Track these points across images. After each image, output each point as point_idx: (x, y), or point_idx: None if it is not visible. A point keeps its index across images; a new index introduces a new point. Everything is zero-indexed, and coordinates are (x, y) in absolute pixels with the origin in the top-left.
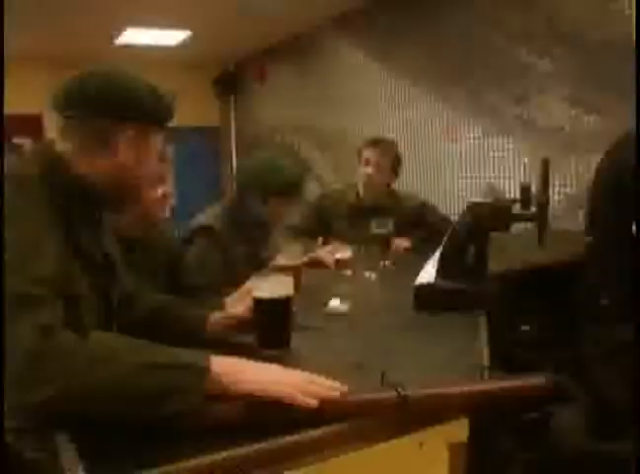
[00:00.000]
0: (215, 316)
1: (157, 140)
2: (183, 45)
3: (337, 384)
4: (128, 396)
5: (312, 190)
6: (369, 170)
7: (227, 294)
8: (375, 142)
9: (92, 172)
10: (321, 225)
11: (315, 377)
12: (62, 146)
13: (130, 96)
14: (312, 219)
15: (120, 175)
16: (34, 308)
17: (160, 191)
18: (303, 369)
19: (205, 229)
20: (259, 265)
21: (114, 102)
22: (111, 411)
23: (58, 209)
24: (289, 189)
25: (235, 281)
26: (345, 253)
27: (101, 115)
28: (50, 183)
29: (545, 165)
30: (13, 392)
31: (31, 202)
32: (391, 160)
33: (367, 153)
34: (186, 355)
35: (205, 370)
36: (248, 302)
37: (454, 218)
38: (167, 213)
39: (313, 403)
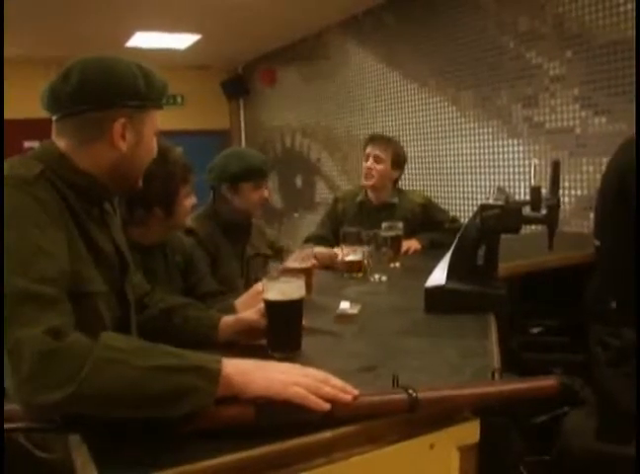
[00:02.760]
0: (227, 319)
1: (154, 120)
2: (192, 49)
3: (349, 386)
4: (138, 399)
5: (321, 189)
6: (369, 163)
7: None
8: (374, 138)
9: (94, 164)
10: (337, 231)
11: (329, 377)
12: (61, 144)
13: (115, 82)
14: (327, 226)
15: (123, 163)
16: (42, 310)
17: (189, 201)
18: None
19: (188, 232)
20: (246, 262)
21: (98, 91)
22: (121, 414)
23: (66, 207)
24: (255, 173)
25: (224, 281)
26: (355, 255)
27: (89, 107)
28: (55, 180)
29: (556, 167)
30: (22, 394)
31: (36, 201)
32: (391, 155)
33: (368, 149)
34: (197, 357)
35: (217, 373)
36: (260, 307)
37: (464, 220)
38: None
39: (325, 406)
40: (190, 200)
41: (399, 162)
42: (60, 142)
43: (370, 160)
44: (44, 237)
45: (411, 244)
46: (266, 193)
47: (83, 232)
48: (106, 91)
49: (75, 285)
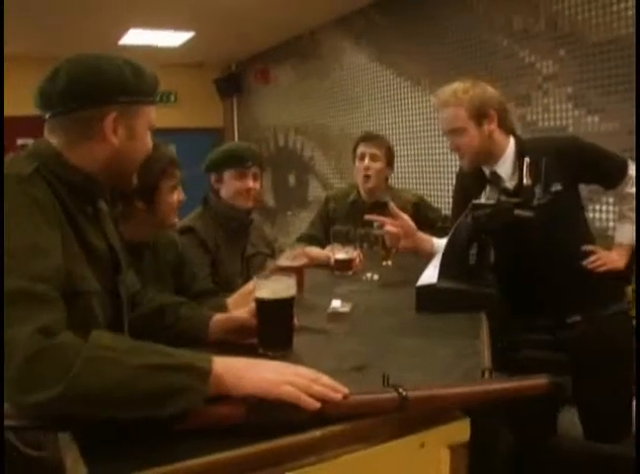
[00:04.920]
0: (218, 318)
1: (147, 115)
2: (186, 46)
3: (339, 385)
4: (127, 398)
5: (314, 188)
6: (366, 162)
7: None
8: (368, 137)
9: (88, 161)
10: (328, 230)
11: (320, 376)
12: (55, 142)
13: (103, 79)
14: (318, 226)
15: (117, 158)
16: (34, 308)
17: (175, 196)
18: None
19: (186, 231)
20: (246, 261)
21: (87, 89)
22: (109, 414)
23: (60, 205)
24: (234, 158)
25: (225, 280)
26: (346, 253)
27: (79, 105)
28: (50, 178)
29: (544, 165)
30: (11, 393)
31: (30, 199)
32: (385, 153)
33: (362, 148)
34: (187, 356)
35: (208, 372)
36: (251, 306)
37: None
38: (177, 218)
39: (316, 405)
40: (175, 196)
41: (392, 159)
42: (53, 140)
43: (367, 159)
44: (39, 235)
45: None
46: (251, 183)
47: (77, 230)
48: (94, 88)
49: (69, 285)
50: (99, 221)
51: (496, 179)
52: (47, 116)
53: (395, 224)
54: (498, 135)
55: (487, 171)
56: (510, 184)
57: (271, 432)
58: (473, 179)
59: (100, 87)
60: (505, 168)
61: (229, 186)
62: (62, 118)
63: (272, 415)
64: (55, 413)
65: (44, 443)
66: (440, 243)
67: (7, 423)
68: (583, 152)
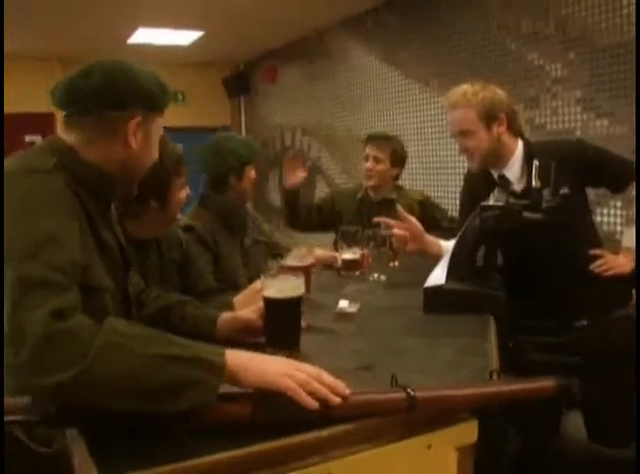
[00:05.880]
0: (224, 317)
1: (160, 125)
2: (194, 46)
3: (342, 385)
4: (142, 388)
5: (321, 188)
6: (368, 164)
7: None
8: (371, 138)
9: (104, 160)
10: (333, 214)
11: (322, 373)
12: (69, 139)
13: (135, 86)
14: (329, 203)
15: (130, 161)
16: (49, 293)
17: (184, 192)
18: None
19: (186, 229)
20: (245, 252)
21: (120, 93)
22: (120, 406)
23: (77, 200)
24: (256, 154)
25: (227, 275)
26: (353, 254)
27: (109, 106)
28: (67, 173)
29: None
30: (21, 377)
31: (52, 191)
32: (389, 153)
33: (366, 149)
34: (201, 348)
35: (222, 366)
36: (258, 306)
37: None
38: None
39: (313, 404)
40: (183, 192)
41: (398, 159)
42: (69, 137)
43: (370, 161)
44: (59, 226)
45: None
46: (252, 174)
47: (92, 227)
48: (128, 92)
49: (85, 280)
50: (108, 220)
51: (504, 182)
52: (70, 112)
53: (402, 227)
54: (507, 138)
55: (495, 174)
56: (518, 186)
57: (277, 431)
58: (481, 181)
59: (133, 91)
60: (513, 171)
61: (248, 180)
62: (88, 116)
63: (278, 414)
64: (66, 399)
65: (53, 440)
66: (448, 245)
67: (14, 417)
68: (586, 155)
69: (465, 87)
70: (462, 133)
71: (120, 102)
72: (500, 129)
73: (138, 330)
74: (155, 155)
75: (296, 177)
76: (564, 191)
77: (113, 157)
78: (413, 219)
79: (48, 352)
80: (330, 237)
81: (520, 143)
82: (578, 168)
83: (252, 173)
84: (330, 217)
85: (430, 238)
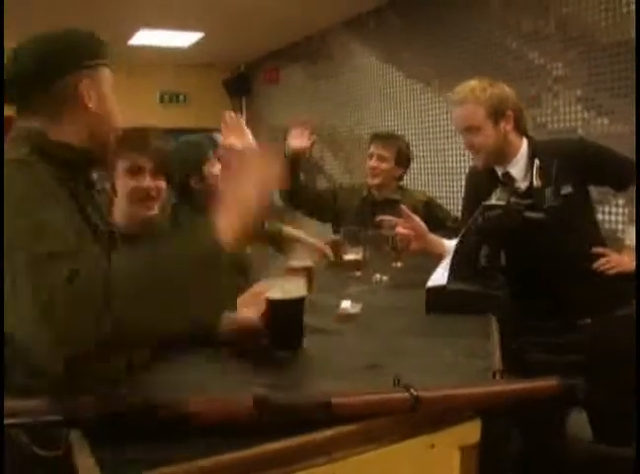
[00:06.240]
0: (226, 318)
1: (109, 78)
2: (195, 47)
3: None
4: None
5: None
6: (372, 162)
7: None
8: (377, 136)
9: (72, 134)
10: (333, 208)
11: None
12: (36, 124)
13: (65, 48)
14: (330, 195)
15: (96, 124)
16: (56, 262)
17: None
18: (316, 370)
19: None
20: None
21: (54, 60)
22: (167, 322)
23: (59, 184)
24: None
25: None
26: (356, 254)
27: (49, 79)
28: (44, 158)
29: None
30: (63, 343)
31: (34, 181)
32: (394, 153)
33: (371, 148)
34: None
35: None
36: (259, 307)
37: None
38: (155, 210)
39: None
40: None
41: (403, 159)
42: (34, 123)
43: (374, 159)
44: (48, 215)
45: None
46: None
47: (80, 209)
48: (62, 56)
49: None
50: (94, 200)
51: (508, 179)
52: (21, 101)
53: (406, 226)
54: (513, 136)
55: (499, 171)
56: (522, 184)
57: (281, 431)
58: (484, 179)
59: (66, 54)
60: (518, 169)
61: (212, 177)
62: (38, 96)
63: (282, 414)
64: (112, 348)
65: (56, 442)
66: (451, 245)
67: (15, 420)
68: (588, 153)
69: (473, 83)
70: (469, 129)
71: (58, 69)
72: (507, 127)
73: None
74: (116, 110)
75: (302, 140)
76: (567, 189)
77: (80, 127)
78: (416, 218)
79: (80, 310)
80: (327, 229)
81: (525, 141)
82: (580, 166)
83: (214, 169)
84: (329, 209)
85: (433, 237)
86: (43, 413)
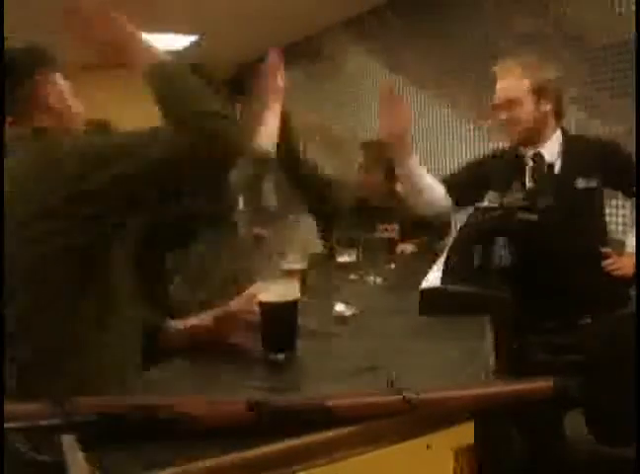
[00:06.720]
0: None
1: (59, 79)
2: (191, 49)
3: None
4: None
5: None
6: (361, 171)
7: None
8: (364, 145)
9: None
10: (330, 202)
11: None
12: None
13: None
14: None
15: (60, 117)
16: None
17: None
18: (309, 373)
19: None
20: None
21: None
22: None
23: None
24: None
25: None
26: (348, 256)
27: (13, 84)
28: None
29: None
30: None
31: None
32: (381, 161)
33: (360, 158)
34: None
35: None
36: (216, 311)
37: None
38: None
39: None
40: None
41: (392, 172)
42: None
43: (363, 171)
44: None
45: (406, 246)
46: None
47: None
48: (11, 69)
49: None
50: None
51: (539, 160)
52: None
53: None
54: (551, 119)
55: (530, 151)
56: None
57: (280, 433)
58: (503, 165)
59: (18, 64)
60: (550, 150)
61: None
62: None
63: (280, 416)
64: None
65: (52, 447)
66: (426, 179)
67: (12, 424)
68: (616, 156)
69: (523, 57)
70: (510, 102)
71: (19, 76)
72: (547, 107)
73: None
74: (77, 103)
75: (398, 119)
76: (586, 184)
77: (60, 125)
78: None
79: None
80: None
81: (560, 130)
82: (603, 166)
83: None
84: (326, 198)
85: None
86: (43, 417)
